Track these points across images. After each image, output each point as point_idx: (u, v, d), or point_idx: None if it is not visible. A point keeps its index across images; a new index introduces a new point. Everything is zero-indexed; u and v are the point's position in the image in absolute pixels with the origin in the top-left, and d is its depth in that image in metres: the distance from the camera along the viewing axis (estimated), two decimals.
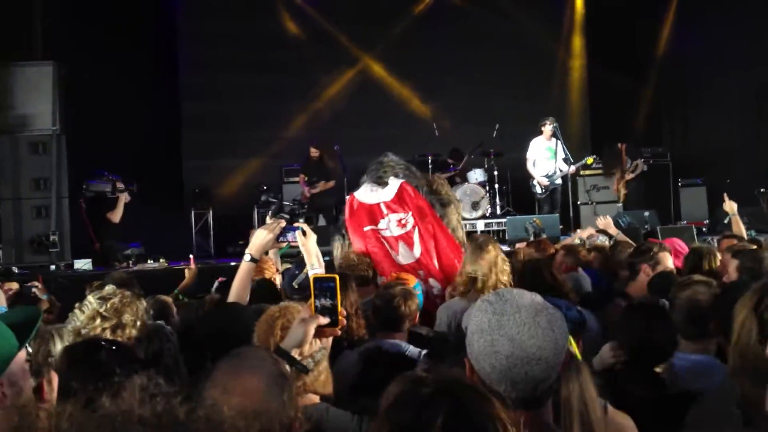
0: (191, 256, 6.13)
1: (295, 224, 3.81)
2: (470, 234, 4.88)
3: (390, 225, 5.21)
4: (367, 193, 5.38)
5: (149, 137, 11.23)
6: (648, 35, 13.70)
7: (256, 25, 12.93)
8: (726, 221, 6.51)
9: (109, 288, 3.24)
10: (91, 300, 3.08)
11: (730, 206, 6.03)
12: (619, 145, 12.02)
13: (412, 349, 3.52)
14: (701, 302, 3.11)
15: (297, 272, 4.12)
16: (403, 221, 5.20)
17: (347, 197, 5.63)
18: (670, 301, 3.25)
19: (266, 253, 4.52)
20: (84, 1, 10.84)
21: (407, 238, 5.19)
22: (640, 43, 13.67)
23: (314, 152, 11.56)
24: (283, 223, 3.70)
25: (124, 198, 9.64)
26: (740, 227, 5.89)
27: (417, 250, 5.19)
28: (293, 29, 13.09)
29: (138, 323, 3.09)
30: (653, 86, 13.82)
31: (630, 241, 6.01)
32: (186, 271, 5.89)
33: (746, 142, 11.73)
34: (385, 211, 5.25)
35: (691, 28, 13.00)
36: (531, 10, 13.56)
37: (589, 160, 11.16)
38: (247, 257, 3.52)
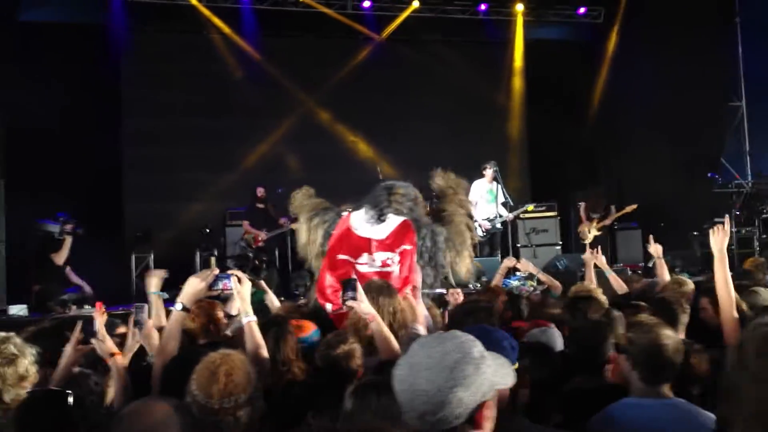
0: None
1: (228, 271, 3.81)
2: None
3: (373, 262, 5.05)
4: (362, 223, 5.21)
5: (90, 181, 11.10)
6: (584, 82, 14.13)
7: (199, 68, 12.91)
8: (651, 264, 6.50)
9: None
10: None
11: (656, 249, 5.90)
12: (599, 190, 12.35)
13: None
14: None
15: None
16: (388, 260, 5.04)
17: (344, 214, 5.41)
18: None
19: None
20: (25, 46, 10.74)
21: (385, 276, 4.96)
22: (577, 89, 14.05)
23: (261, 192, 11.40)
24: (217, 271, 3.70)
25: (69, 240, 9.45)
26: (664, 271, 5.79)
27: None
28: (237, 73, 13.10)
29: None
30: (589, 131, 14.21)
31: (554, 282, 6.14)
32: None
33: (679, 187, 12.05)
34: (374, 247, 5.08)
35: (625, 75, 13.43)
36: (472, 56, 13.88)
37: (530, 207, 11.28)
38: (178, 306, 3.47)
